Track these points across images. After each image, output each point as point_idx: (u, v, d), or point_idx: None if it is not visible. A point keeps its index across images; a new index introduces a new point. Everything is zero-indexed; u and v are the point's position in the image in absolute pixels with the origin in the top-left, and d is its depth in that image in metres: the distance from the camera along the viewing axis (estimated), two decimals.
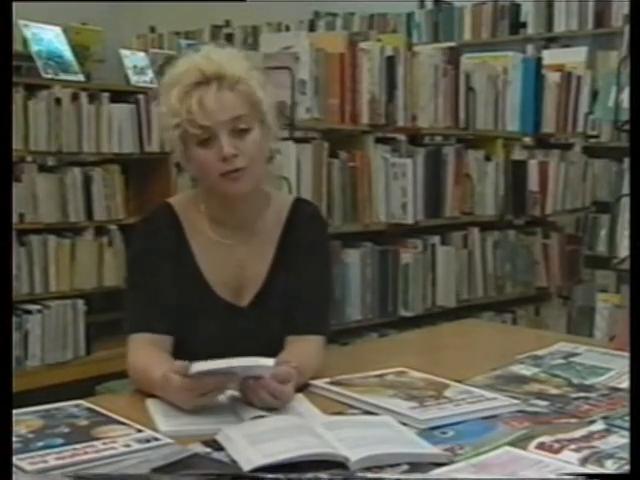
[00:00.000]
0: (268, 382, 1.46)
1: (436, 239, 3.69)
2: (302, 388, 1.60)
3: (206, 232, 1.79)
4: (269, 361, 1.43)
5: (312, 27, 7.22)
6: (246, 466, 1.21)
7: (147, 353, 1.65)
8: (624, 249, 2.88)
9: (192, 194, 1.86)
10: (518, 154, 4.12)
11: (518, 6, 6.21)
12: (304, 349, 1.69)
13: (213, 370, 1.42)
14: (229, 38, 7.70)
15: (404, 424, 1.41)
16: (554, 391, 1.65)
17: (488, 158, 3.92)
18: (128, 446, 1.29)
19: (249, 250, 1.80)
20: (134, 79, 4.92)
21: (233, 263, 1.78)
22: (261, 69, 1.79)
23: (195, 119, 1.66)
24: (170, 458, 1.25)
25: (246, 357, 1.43)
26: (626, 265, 2.79)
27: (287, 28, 7.36)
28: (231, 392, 1.53)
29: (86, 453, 1.26)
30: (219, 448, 1.30)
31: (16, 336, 4.04)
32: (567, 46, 5.54)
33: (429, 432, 1.39)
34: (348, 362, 1.83)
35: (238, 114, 1.67)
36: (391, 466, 1.25)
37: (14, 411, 1.35)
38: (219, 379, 1.45)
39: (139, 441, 1.31)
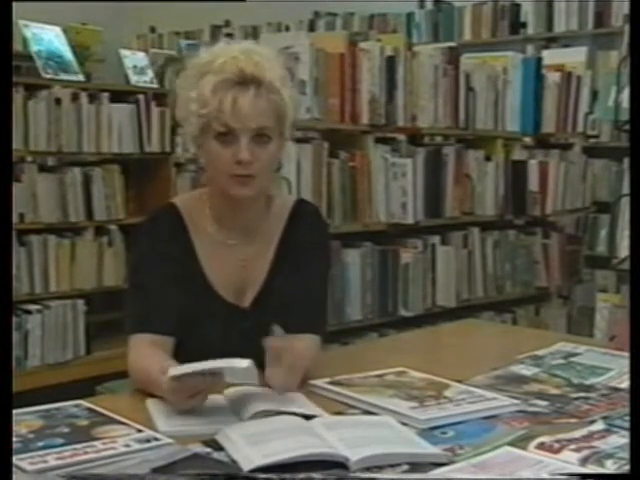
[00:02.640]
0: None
1: (436, 239, 3.69)
2: (302, 388, 1.60)
3: (210, 233, 1.79)
4: (245, 361, 1.41)
5: (312, 27, 7.22)
6: (246, 466, 1.21)
7: (147, 354, 1.65)
8: (624, 249, 2.88)
9: (197, 194, 1.85)
10: (518, 154, 4.12)
11: (518, 6, 6.21)
12: (299, 348, 1.68)
13: (190, 373, 1.42)
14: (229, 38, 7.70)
15: (404, 424, 1.41)
16: (554, 391, 1.65)
17: (488, 158, 3.92)
18: (128, 446, 1.29)
19: (252, 251, 1.80)
20: (134, 79, 4.91)
21: (236, 264, 1.78)
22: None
23: (224, 117, 1.64)
24: (170, 458, 1.25)
25: (226, 358, 1.42)
26: (626, 265, 2.79)
27: (287, 28, 7.36)
28: (231, 391, 1.53)
29: (86, 453, 1.26)
30: (219, 448, 1.30)
31: (16, 336, 4.04)
32: (567, 46, 5.54)
33: (429, 432, 1.39)
34: (348, 362, 1.83)
35: (265, 125, 1.67)
36: (391, 466, 1.25)
37: (14, 411, 1.35)
38: (204, 379, 1.44)
39: (139, 441, 1.31)
